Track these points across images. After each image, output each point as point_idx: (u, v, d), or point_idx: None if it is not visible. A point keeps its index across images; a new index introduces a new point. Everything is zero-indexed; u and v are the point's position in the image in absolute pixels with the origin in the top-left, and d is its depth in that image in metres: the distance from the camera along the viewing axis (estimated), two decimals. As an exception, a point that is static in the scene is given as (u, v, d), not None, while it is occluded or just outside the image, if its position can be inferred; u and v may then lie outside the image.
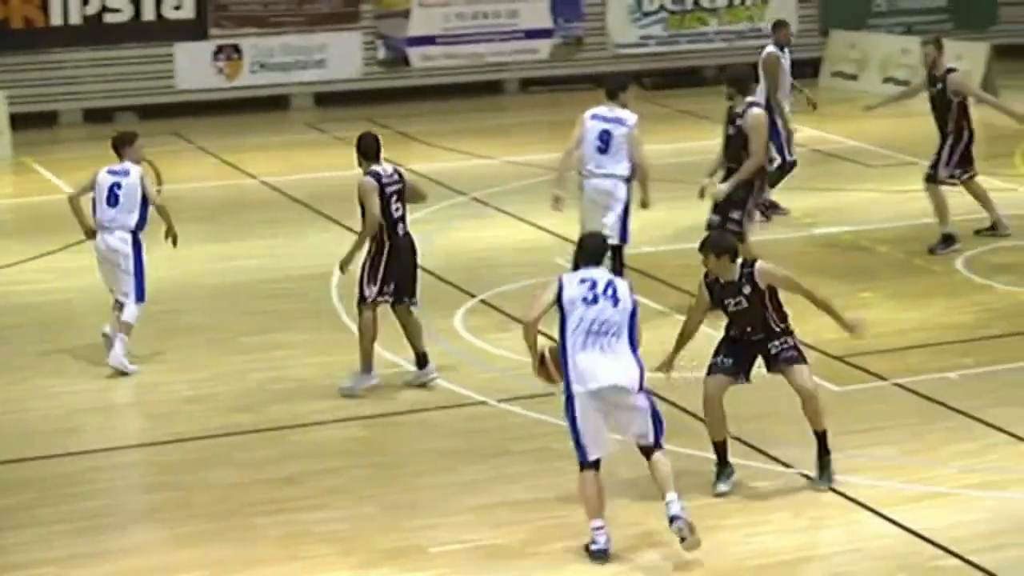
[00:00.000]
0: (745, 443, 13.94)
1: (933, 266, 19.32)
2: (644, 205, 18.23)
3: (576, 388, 11.92)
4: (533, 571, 11.93)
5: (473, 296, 18.52)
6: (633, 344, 12.03)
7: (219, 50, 29.95)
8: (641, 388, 11.98)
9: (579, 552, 12.07)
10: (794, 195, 22.51)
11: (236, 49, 30.03)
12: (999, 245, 19.76)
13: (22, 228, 21.46)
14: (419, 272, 15.76)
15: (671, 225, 21.26)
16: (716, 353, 13.34)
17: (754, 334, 13.14)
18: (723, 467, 13.28)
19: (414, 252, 15.73)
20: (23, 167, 25.83)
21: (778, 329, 13.11)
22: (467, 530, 12.59)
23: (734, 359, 13.25)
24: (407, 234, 15.65)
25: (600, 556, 11.96)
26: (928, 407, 14.56)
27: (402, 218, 15.57)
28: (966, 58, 30.14)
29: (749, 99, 18.14)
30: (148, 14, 29.46)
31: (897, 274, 19.24)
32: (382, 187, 15.33)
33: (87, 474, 13.91)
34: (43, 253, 20.78)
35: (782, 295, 13.05)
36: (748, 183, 17.82)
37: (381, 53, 30.92)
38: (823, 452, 13.20)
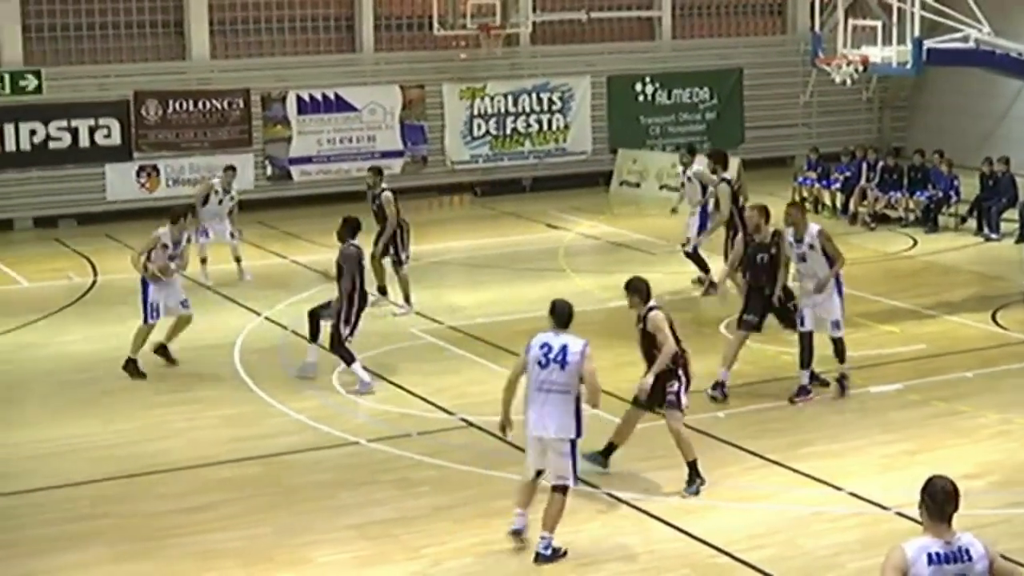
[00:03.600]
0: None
1: (707, 328, 19.37)
2: None
3: (527, 430, 11.94)
4: (401, 574, 11.78)
5: (346, 359, 18.29)
6: (578, 399, 11.79)
7: (141, 169, 29.52)
8: (575, 436, 11.80)
9: (438, 557, 11.98)
10: (595, 277, 22.62)
11: (155, 168, 29.63)
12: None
13: (-16, 312, 21.00)
14: None
15: (503, 302, 21.31)
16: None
17: (645, 361, 13.49)
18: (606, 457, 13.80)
19: None
20: (-16, 264, 25.31)
21: (667, 369, 13.40)
22: (345, 544, 12.41)
23: (646, 399, 13.57)
24: None
25: (513, 534, 11.99)
26: (703, 439, 14.57)
27: None
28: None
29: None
30: (84, 141, 29.01)
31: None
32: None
33: (39, 507, 13.52)
34: (0, 332, 20.29)
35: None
36: None
37: (269, 170, 30.66)
38: (693, 474, 13.38)
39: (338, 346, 17.02)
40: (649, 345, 13.50)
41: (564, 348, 11.77)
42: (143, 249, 17.88)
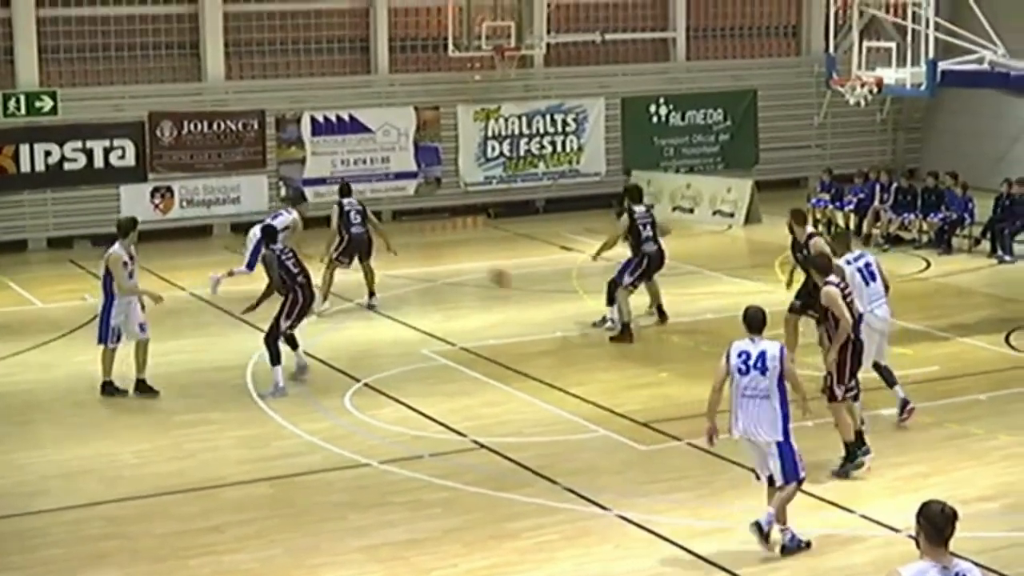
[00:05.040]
0: (574, 492, 13.90)
1: (716, 350, 19.30)
2: None
3: (737, 434, 12.39)
4: (409, 597, 11.83)
5: (358, 380, 18.35)
6: (782, 401, 12.14)
7: (155, 190, 29.66)
8: (782, 439, 12.18)
9: (445, 581, 12.04)
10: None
11: (169, 189, 29.77)
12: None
13: (-1, 332, 21.10)
14: None
15: (515, 323, 21.35)
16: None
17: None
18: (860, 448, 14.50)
19: None
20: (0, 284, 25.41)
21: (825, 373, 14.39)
22: (357, 566, 12.43)
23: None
24: None
25: (753, 524, 12.27)
26: (713, 461, 14.56)
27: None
28: (735, 190, 30.61)
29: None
30: (99, 162, 29.16)
31: (687, 357, 19.28)
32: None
33: (53, 527, 13.57)
34: (15, 352, 20.37)
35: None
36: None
37: (283, 191, 30.77)
38: (847, 455, 14.31)
39: (272, 340, 17.80)
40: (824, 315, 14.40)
41: (762, 354, 12.15)
42: (117, 276, 17.94)
